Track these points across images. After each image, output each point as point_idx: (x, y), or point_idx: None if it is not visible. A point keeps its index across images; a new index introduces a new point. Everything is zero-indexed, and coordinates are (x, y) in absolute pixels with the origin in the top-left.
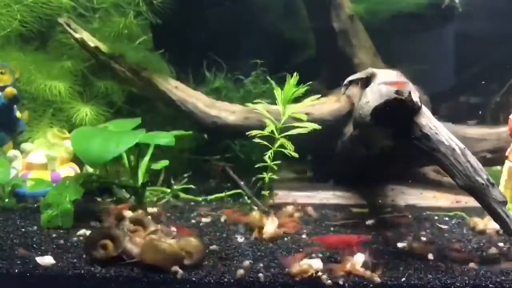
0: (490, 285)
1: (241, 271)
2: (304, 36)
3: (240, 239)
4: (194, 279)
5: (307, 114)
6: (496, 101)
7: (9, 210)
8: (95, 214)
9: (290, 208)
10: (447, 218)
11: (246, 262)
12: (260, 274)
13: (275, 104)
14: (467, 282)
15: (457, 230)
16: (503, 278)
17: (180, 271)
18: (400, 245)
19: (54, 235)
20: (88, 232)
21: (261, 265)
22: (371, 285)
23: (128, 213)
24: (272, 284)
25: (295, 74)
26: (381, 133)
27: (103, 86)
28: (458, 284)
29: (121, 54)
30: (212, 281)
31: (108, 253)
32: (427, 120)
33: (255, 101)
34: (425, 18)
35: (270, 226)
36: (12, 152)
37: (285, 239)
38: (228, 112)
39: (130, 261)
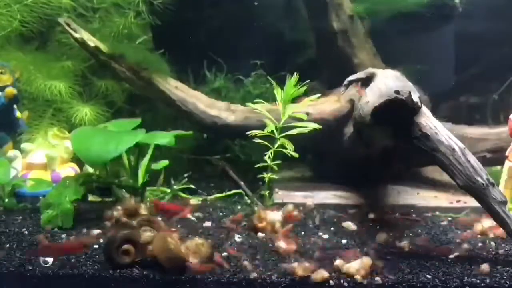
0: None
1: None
2: (304, 36)
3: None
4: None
5: (306, 114)
6: (495, 99)
7: (9, 210)
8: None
9: (290, 206)
10: (450, 218)
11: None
12: None
13: (275, 104)
14: (466, 282)
15: (457, 230)
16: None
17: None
18: (400, 244)
19: (54, 235)
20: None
21: None
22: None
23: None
24: None
25: (295, 74)
26: (381, 133)
27: (103, 86)
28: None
29: (121, 54)
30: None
31: (131, 258)
32: (427, 120)
33: (255, 101)
34: (425, 18)
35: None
36: (12, 152)
37: None
38: (228, 112)
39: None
